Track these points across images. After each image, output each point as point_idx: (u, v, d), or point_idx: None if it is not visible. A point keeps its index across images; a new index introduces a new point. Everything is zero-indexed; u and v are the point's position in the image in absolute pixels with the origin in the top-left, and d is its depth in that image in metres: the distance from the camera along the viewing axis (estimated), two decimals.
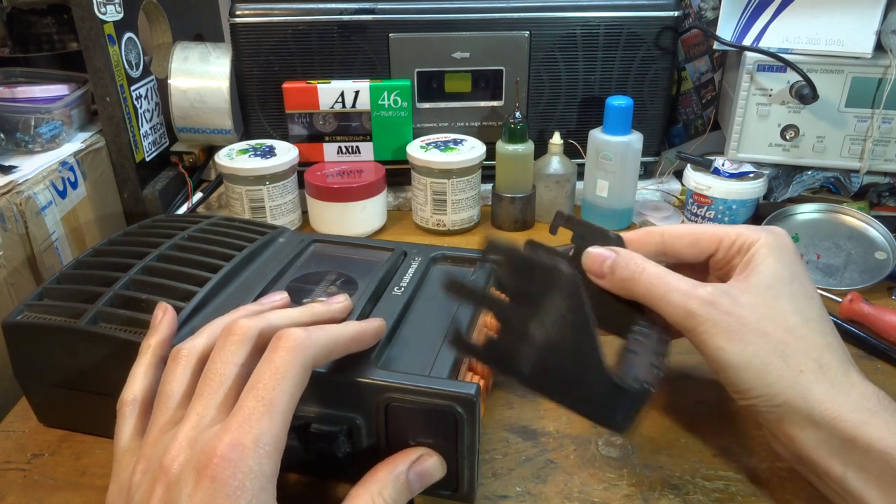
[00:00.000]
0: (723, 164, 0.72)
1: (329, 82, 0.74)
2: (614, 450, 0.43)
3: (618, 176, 0.71)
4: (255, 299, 0.42)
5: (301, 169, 0.73)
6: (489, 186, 0.75)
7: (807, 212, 0.68)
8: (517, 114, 0.70)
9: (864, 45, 0.67)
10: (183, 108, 0.76)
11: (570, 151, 0.76)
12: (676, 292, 0.36)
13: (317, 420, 0.36)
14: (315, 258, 0.50)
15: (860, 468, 0.33)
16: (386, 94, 0.74)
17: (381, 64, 0.75)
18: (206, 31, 0.92)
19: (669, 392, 0.48)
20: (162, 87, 0.78)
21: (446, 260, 0.50)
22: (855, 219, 0.65)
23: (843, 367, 0.35)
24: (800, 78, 0.69)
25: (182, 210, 0.76)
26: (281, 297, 0.40)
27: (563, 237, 0.43)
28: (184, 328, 0.40)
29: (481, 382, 0.38)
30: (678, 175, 0.81)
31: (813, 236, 0.65)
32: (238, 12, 0.73)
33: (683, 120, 0.86)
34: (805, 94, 0.69)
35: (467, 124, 0.79)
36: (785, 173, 0.76)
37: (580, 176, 0.75)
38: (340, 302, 0.39)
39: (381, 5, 0.73)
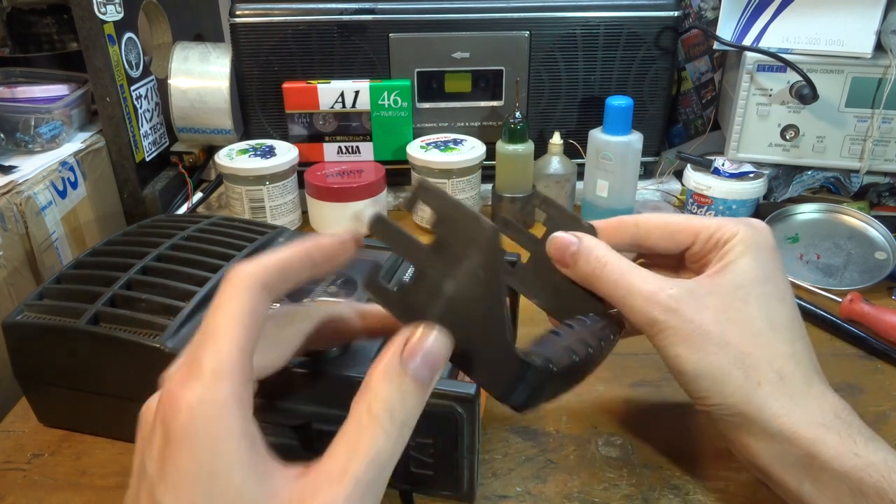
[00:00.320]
0: (723, 164, 0.72)
1: (329, 82, 0.74)
2: (614, 450, 0.43)
3: (618, 176, 0.71)
4: None
5: (301, 169, 0.73)
6: (489, 186, 0.75)
7: (807, 212, 0.68)
8: (517, 114, 0.70)
9: (864, 45, 0.67)
10: (183, 108, 0.76)
11: (570, 151, 0.76)
12: (638, 296, 0.35)
13: (317, 420, 0.35)
14: None
15: (816, 484, 0.32)
16: (386, 94, 0.74)
17: (381, 64, 0.75)
18: (206, 31, 0.92)
19: (669, 392, 0.48)
20: (162, 87, 0.78)
21: None
22: (855, 219, 0.65)
23: (806, 376, 0.34)
24: (800, 78, 0.69)
25: (182, 210, 0.76)
26: None
27: None
28: (184, 328, 0.40)
29: None
30: (678, 175, 0.81)
31: (813, 236, 0.65)
32: (238, 12, 0.73)
33: (683, 120, 0.86)
34: (805, 94, 0.69)
35: (467, 124, 0.79)
36: (785, 173, 0.76)
37: (580, 176, 0.75)
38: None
39: (381, 5, 0.73)
